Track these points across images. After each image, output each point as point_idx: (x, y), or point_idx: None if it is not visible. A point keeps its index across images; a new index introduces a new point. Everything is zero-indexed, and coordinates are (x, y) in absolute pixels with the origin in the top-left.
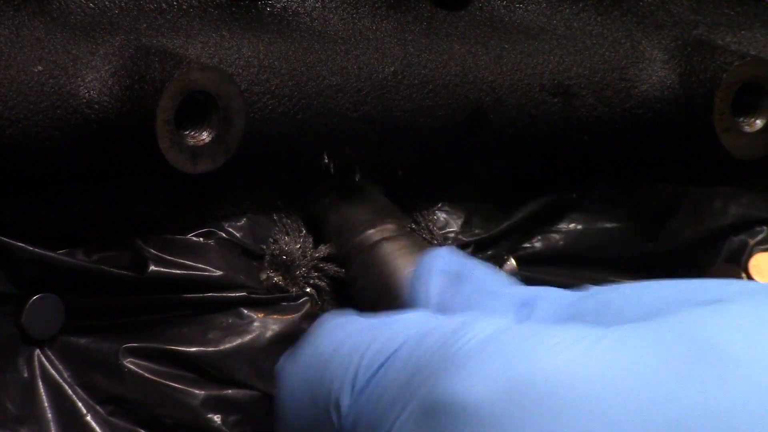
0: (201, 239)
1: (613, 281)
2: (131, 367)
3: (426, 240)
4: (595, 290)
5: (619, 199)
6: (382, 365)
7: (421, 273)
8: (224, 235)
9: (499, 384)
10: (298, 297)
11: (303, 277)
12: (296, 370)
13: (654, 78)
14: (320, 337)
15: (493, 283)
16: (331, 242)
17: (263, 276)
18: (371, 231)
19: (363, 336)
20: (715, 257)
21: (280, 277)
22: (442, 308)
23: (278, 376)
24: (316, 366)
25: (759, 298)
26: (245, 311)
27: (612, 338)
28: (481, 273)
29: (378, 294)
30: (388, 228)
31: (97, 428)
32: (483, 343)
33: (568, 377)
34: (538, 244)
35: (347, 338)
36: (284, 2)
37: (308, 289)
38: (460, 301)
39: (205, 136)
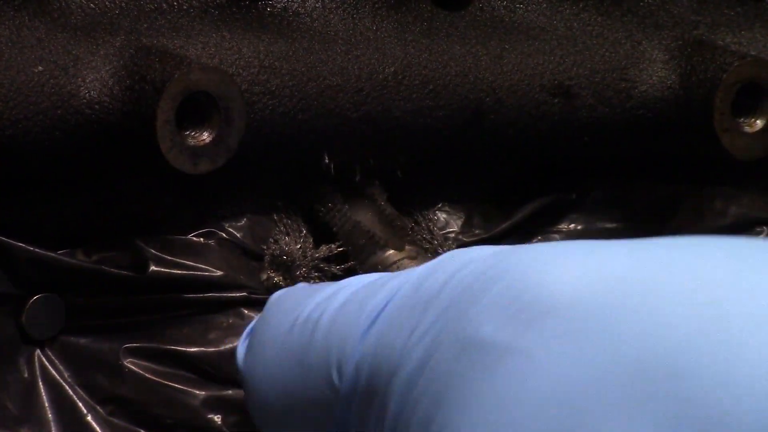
0: (201, 239)
1: None
2: (131, 367)
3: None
4: None
5: (619, 199)
6: (387, 303)
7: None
8: (224, 235)
9: (592, 280)
10: None
11: (303, 277)
12: (269, 350)
13: (654, 78)
14: (285, 309)
15: None
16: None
17: (264, 276)
18: (388, 253)
19: (360, 291)
20: None
21: (281, 278)
22: None
23: (243, 370)
24: (298, 335)
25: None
26: (246, 311)
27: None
28: None
29: None
30: (406, 250)
31: (98, 428)
32: (552, 248)
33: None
34: None
35: (334, 295)
36: (285, 2)
37: None
38: None
39: (205, 137)
